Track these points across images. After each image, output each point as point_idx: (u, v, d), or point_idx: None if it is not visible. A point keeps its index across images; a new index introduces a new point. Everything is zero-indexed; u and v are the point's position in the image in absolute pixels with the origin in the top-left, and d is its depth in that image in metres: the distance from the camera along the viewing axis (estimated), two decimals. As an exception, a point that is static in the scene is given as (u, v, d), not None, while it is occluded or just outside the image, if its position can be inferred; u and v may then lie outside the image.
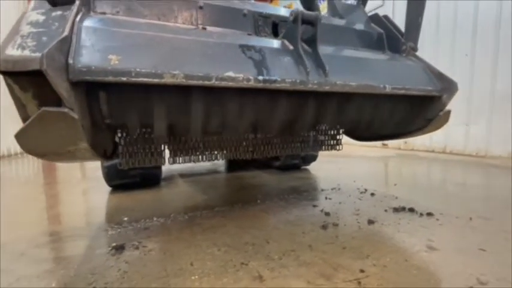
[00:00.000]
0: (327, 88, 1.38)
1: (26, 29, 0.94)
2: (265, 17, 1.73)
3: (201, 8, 1.54)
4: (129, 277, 1.17)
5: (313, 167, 3.72)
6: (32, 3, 1.11)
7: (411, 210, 1.90)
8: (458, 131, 4.65)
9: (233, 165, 4.01)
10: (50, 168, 4.51)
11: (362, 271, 1.16)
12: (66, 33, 0.91)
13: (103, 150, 1.40)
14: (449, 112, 1.82)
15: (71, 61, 0.90)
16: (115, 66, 0.97)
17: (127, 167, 1.46)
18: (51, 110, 0.87)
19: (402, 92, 1.64)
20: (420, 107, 1.90)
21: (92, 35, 1.01)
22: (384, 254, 1.30)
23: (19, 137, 0.90)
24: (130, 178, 2.67)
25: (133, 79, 0.99)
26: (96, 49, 0.98)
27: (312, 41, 1.49)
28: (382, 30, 2.12)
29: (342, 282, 1.09)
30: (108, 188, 2.74)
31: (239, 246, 1.42)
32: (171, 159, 1.62)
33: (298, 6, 2.59)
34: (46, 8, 1.07)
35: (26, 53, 0.84)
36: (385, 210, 1.92)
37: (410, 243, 1.42)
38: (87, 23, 1.07)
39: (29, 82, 0.89)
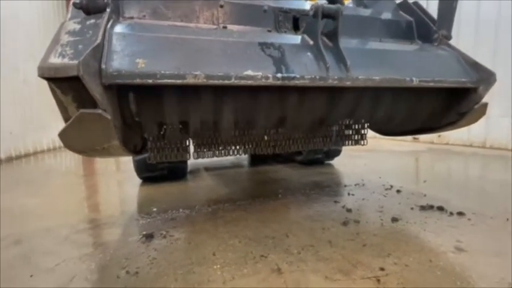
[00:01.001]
0: (348, 83, 1.35)
1: (64, 38, 1.04)
2: (286, 12, 1.71)
3: (221, 6, 1.58)
4: (157, 263, 1.27)
5: (336, 162, 3.65)
6: (70, 13, 1.21)
7: (440, 208, 1.81)
8: (501, 123, 4.25)
9: (256, 160, 4.05)
10: (89, 161, 4.90)
11: (382, 269, 1.15)
12: (98, 40, 0.99)
13: (133, 146, 1.51)
14: (485, 105, 1.69)
15: (103, 66, 0.98)
16: (142, 70, 1.04)
17: (155, 161, 1.56)
18: (88, 111, 0.96)
19: (431, 84, 1.55)
20: (453, 99, 1.78)
21: (121, 41, 1.09)
22: (406, 253, 1.27)
23: (62, 135, 1.01)
24: (158, 171, 2.83)
25: (158, 81, 1.05)
26: (125, 54, 1.06)
27: (333, 35, 1.46)
28: (411, 18, 2.00)
29: (360, 279, 1.09)
30: (139, 180, 2.93)
31: (259, 239, 1.47)
32: (196, 154, 1.70)
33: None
34: (81, 16, 1.17)
35: (65, 60, 0.93)
36: (411, 208, 1.85)
37: (436, 243, 1.37)
38: (117, 29, 1.15)
39: (69, 86, 0.99)
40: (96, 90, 0.96)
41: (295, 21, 1.73)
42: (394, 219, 1.66)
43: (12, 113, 5.53)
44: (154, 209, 2.03)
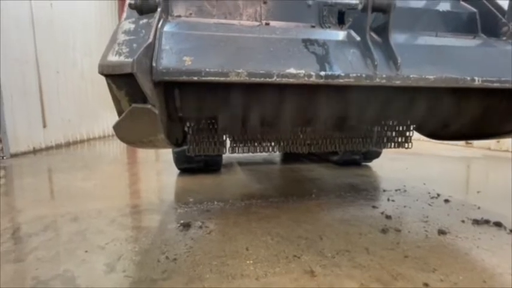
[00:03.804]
0: (397, 83, 1.26)
1: (121, 37, 1.11)
2: (331, 5, 1.64)
3: (265, 3, 1.57)
4: (193, 252, 1.33)
5: (375, 164, 3.46)
6: (125, 13, 1.31)
7: (497, 224, 1.62)
8: None
9: (288, 157, 4.02)
10: (132, 150, 5.31)
11: (426, 285, 1.07)
12: (150, 40, 1.05)
13: (175, 139, 1.59)
14: None
15: (154, 64, 1.04)
16: (188, 67, 1.08)
17: (193, 154, 1.63)
18: (139, 106, 1.03)
19: (496, 85, 1.37)
20: None
21: (170, 39, 1.15)
22: (455, 271, 1.16)
23: (115, 128, 1.10)
24: (195, 163, 2.96)
25: (203, 78, 1.09)
26: (173, 52, 1.11)
27: (383, 30, 1.37)
28: (474, 9, 1.79)
29: (401, 292, 1.03)
30: (176, 170, 3.09)
31: (292, 238, 1.46)
32: (231, 149, 1.74)
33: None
34: (135, 16, 1.25)
35: (122, 58, 1.01)
36: (462, 221, 1.68)
37: (491, 263, 1.23)
38: (167, 28, 1.21)
39: (123, 82, 1.07)
40: (147, 86, 1.02)
41: (341, 15, 1.66)
42: (441, 232, 1.52)
43: (72, 104, 6.19)
44: (191, 199, 2.12)
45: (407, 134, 1.90)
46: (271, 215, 1.81)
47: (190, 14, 1.49)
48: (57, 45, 5.60)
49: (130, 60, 0.98)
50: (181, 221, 1.66)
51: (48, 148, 5.22)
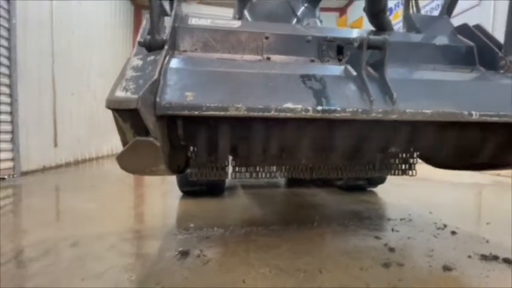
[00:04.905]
0: (394, 117, 1.28)
1: (129, 73, 1.19)
2: (330, 41, 1.72)
3: (266, 38, 1.66)
4: (189, 283, 1.32)
5: (380, 190, 3.40)
6: (135, 50, 1.40)
7: (507, 261, 1.55)
8: None
9: (293, 181, 4.00)
10: (139, 169, 5.38)
11: (428, 329, 1.02)
12: (155, 76, 1.12)
13: (177, 166, 1.62)
14: None
15: (157, 99, 1.10)
16: (190, 102, 1.13)
17: (196, 178, 1.67)
18: (142, 139, 1.08)
19: (495, 119, 1.37)
20: None
21: (175, 75, 1.22)
22: (460, 313, 1.11)
23: (119, 159, 1.15)
24: (198, 186, 2.98)
25: (204, 112, 1.14)
26: (177, 87, 1.17)
27: (379, 66, 1.42)
28: (472, 43, 1.84)
29: (401, 337, 0.98)
30: (180, 193, 3.11)
31: (291, 271, 1.43)
32: (234, 174, 1.76)
33: (366, 21, 2.47)
34: (144, 53, 1.34)
35: (128, 94, 1.07)
36: (469, 256, 1.62)
37: (500, 306, 1.17)
38: (172, 64, 1.29)
39: (128, 116, 1.13)
40: (150, 121, 1.08)
41: (340, 49, 1.73)
42: (447, 268, 1.46)
43: (83, 123, 6.42)
44: (192, 225, 2.12)
45: (411, 161, 1.90)
46: (271, 244, 1.78)
47: (196, 49, 1.59)
48: (73, 68, 5.92)
49: (135, 96, 1.04)
50: (180, 249, 1.66)
51: (58, 166, 5.35)
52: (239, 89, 1.23)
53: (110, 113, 1.13)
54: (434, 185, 3.91)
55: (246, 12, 3.38)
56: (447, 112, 1.33)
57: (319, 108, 1.22)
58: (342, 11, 10.41)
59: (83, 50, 6.31)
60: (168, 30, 1.48)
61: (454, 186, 3.87)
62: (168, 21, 1.59)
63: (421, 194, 3.31)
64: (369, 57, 1.45)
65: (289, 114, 1.20)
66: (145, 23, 1.57)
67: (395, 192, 3.35)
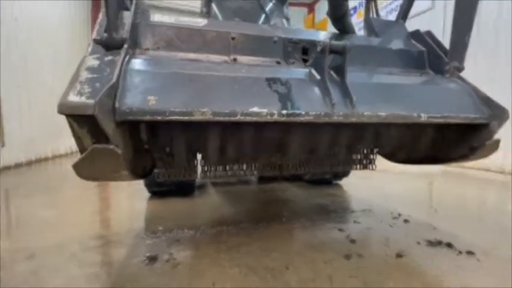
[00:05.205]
0: (353, 120, 1.36)
1: (84, 75, 1.10)
2: (295, 42, 1.76)
3: (233, 39, 1.64)
4: (158, 290, 1.30)
5: (345, 182, 3.60)
6: (90, 48, 1.29)
7: (449, 245, 1.75)
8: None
9: (263, 178, 4.06)
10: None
11: (382, 314, 1.13)
12: (114, 79, 1.06)
13: (142, 169, 1.57)
14: (498, 142, 1.65)
15: (117, 105, 1.05)
16: (152, 107, 1.09)
17: (163, 179, 1.63)
18: (100, 147, 1.02)
19: (441, 120, 1.53)
20: (464, 134, 1.75)
21: (135, 78, 1.16)
22: (408, 296, 1.24)
23: (76, 167, 1.07)
24: (167, 186, 2.89)
25: (168, 117, 1.11)
26: (138, 91, 1.12)
27: (340, 70, 1.49)
28: (423, 48, 2.00)
29: (359, 324, 1.07)
30: (148, 193, 3.00)
31: (259, 269, 1.47)
32: (203, 174, 1.75)
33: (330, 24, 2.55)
34: (101, 52, 1.25)
35: (83, 99, 1.00)
36: (418, 243, 1.80)
37: (441, 286, 1.33)
38: (132, 65, 1.22)
39: (84, 122, 1.05)
40: (109, 127, 1.02)
41: (305, 51, 1.78)
42: (399, 255, 1.62)
43: (37, 121, 5.85)
44: (161, 228, 2.07)
45: (371, 156, 2.05)
46: (242, 243, 1.81)
47: (158, 47, 1.52)
48: (19, 59, 5.32)
49: (92, 101, 0.98)
50: (148, 254, 1.62)
51: (6, 168, 4.83)
52: (205, 93, 1.22)
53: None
54: (393, 176, 4.24)
55: (214, 6, 3.30)
56: (400, 114, 1.45)
57: (284, 112, 1.26)
58: (310, 7, 10.61)
59: (30, 40, 5.69)
60: (127, 27, 1.39)
61: (410, 176, 4.22)
62: (127, 17, 1.49)
63: (381, 185, 3.57)
64: (331, 60, 1.51)
65: (255, 119, 1.21)
66: (101, 17, 1.45)
67: (358, 184, 3.57)
